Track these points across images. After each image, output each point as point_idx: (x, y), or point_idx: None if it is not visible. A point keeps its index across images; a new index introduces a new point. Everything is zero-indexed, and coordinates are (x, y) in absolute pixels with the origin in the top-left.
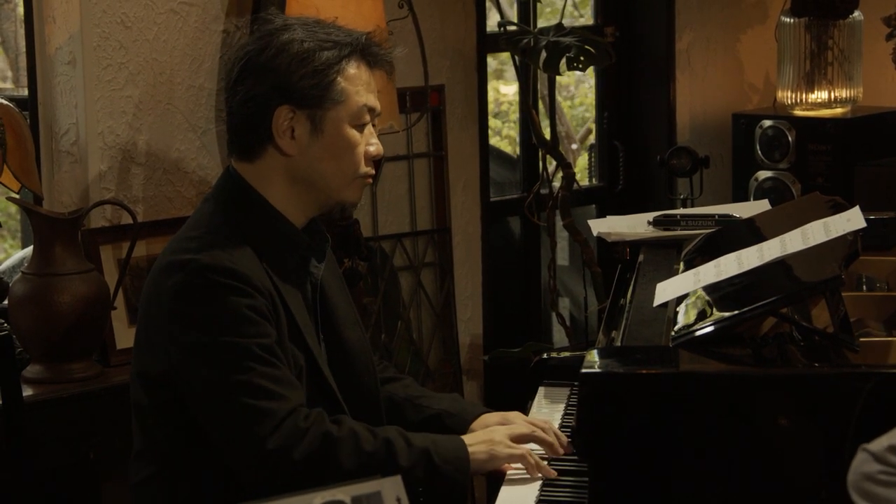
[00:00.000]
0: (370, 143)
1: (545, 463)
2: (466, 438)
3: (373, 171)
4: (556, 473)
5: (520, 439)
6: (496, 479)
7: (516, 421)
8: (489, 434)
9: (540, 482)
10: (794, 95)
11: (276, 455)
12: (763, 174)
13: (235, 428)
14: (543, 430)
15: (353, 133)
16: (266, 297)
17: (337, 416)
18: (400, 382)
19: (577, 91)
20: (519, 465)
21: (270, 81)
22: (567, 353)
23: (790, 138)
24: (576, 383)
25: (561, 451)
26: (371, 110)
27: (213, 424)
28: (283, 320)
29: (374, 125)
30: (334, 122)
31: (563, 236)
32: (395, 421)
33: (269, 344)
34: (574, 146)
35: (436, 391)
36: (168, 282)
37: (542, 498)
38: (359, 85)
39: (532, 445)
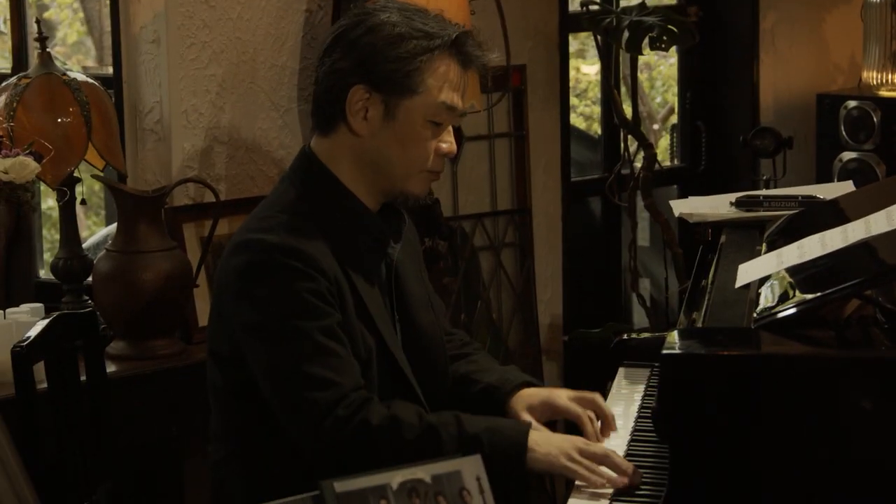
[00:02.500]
0: (444, 140)
1: (616, 475)
2: (536, 435)
3: (441, 169)
4: (626, 481)
5: (592, 457)
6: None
7: (560, 398)
8: (561, 442)
9: (608, 500)
10: (879, 76)
11: (320, 443)
12: (847, 155)
13: (287, 414)
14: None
15: (426, 127)
16: (331, 280)
17: (391, 402)
18: (465, 360)
19: (659, 71)
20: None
21: (354, 58)
22: (647, 335)
23: (875, 119)
24: (656, 364)
25: (624, 481)
26: (452, 109)
27: (273, 405)
28: (350, 303)
29: (455, 125)
30: (408, 111)
31: (644, 217)
32: (456, 398)
33: (330, 325)
34: (656, 126)
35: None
36: (235, 261)
37: None
38: (443, 81)
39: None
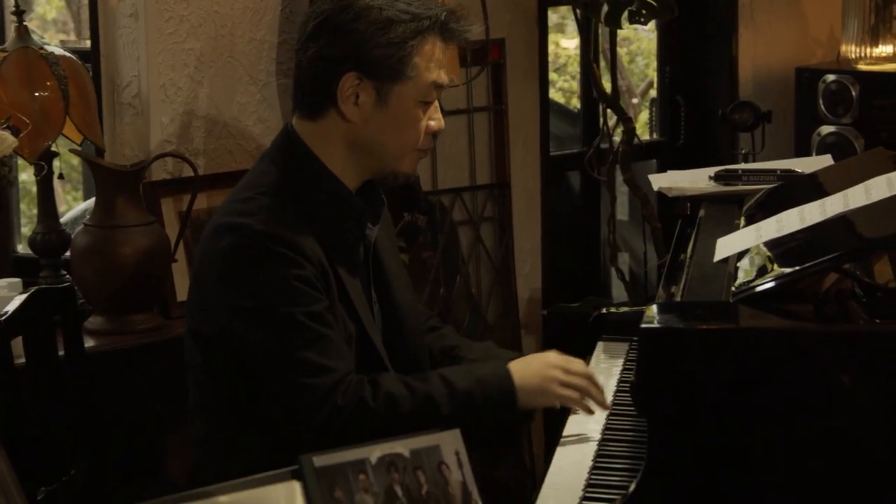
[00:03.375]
0: (433, 117)
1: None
2: (517, 368)
3: (430, 146)
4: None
5: (577, 375)
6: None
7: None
8: (542, 369)
9: (593, 455)
10: (858, 49)
11: (316, 432)
12: (826, 129)
13: (281, 402)
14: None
15: (417, 108)
16: (315, 266)
17: (375, 378)
18: (437, 332)
19: (638, 45)
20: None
21: (344, 45)
22: (626, 309)
23: (854, 93)
24: (635, 338)
25: (598, 408)
26: (439, 86)
27: (264, 390)
28: (334, 287)
29: (439, 99)
30: (401, 96)
31: (623, 191)
32: None
33: (320, 311)
34: (635, 100)
35: (499, 345)
36: (219, 244)
37: (594, 477)
38: (431, 61)
39: None
